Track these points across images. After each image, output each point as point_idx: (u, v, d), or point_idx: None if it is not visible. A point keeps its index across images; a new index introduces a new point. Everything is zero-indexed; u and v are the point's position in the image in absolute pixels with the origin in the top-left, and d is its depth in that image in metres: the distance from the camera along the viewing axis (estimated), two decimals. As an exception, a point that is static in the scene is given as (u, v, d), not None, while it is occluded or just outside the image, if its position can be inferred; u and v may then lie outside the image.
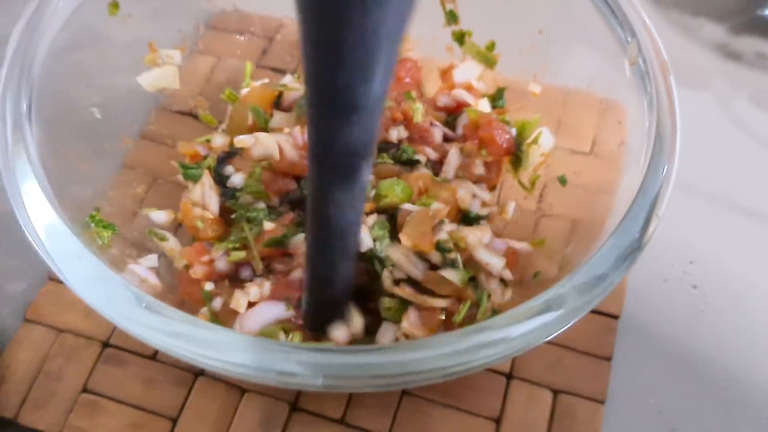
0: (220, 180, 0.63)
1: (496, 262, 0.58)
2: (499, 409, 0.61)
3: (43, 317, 0.64)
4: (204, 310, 0.59)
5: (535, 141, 0.66)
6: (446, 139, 0.68)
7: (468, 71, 0.70)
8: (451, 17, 0.68)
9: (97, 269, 0.46)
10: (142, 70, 0.67)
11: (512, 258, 0.60)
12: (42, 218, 0.48)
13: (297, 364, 0.42)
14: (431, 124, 0.66)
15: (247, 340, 0.43)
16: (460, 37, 0.70)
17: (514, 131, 0.67)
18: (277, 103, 0.69)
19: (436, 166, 0.66)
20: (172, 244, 0.62)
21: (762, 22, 0.92)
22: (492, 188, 0.67)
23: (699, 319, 0.68)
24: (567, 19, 0.61)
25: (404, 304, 0.57)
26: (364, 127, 0.34)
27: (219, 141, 0.67)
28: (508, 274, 0.59)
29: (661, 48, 0.54)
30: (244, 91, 0.71)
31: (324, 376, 0.42)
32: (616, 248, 0.47)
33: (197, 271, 0.59)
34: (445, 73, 0.71)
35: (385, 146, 0.65)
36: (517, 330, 0.44)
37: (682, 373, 0.65)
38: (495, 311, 0.57)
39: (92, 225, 0.56)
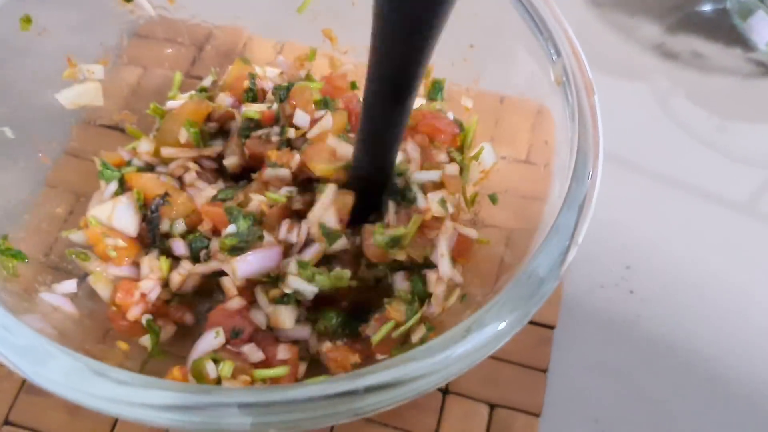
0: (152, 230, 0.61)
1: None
2: (435, 426, 0.60)
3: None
4: (144, 339, 0.58)
5: (476, 157, 0.65)
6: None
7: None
8: None
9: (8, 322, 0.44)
10: (61, 85, 0.64)
11: (464, 245, 0.59)
12: None
13: (224, 407, 0.41)
14: None
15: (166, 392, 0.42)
16: None
17: (451, 115, 0.66)
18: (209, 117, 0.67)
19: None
20: (95, 265, 0.60)
21: (697, 18, 0.92)
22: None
23: (636, 324, 0.69)
24: (496, 34, 0.61)
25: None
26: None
27: (145, 147, 0.65)
28: (458, 276, 0.58)
29: (586, 67, 0.53)
30: (172, 103, 0.68)
31: (253, 419, 0.41)
32: (548, 255, 0.47)
33: (135, 312, 0.57)
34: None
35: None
36: (458, 349, 0.44)
37: (619, 380, 0.66)
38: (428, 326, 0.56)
39: None
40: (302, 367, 0.57)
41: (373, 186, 0.58)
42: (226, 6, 0.71)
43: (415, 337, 0.55)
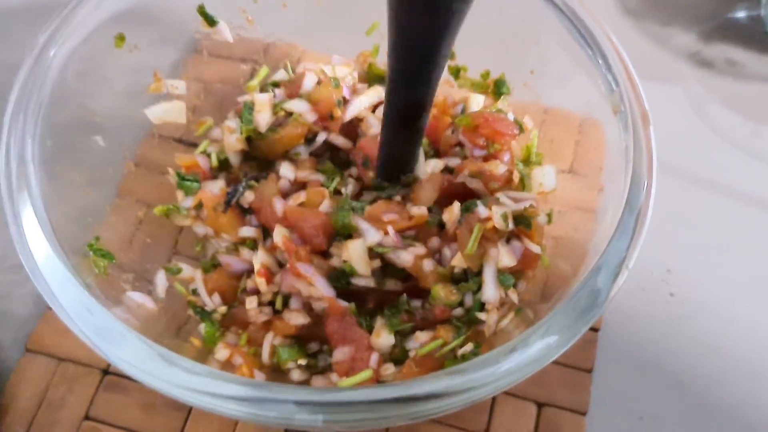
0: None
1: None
2: (486, 423, 0.64)
3: (43, 347, 0.66)
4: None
5: (539, 162, 0.68)
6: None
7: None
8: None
9: (91, 305, 0.49)
10: (146, 98, 0.68)
11: (529, 260, 0.61)
12: (41, 256, 0.50)
13: (296, 405, 0.44)
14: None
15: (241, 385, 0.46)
16: (456, 72, 0.73)
17: (511, 116, 0.69)
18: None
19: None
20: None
21: (732, 24, 0.94)
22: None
23: (677, 326, 0.71)
24: (556, 62, 0.64)
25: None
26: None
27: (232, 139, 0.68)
28: (514, 296, 0.60)
29: (643, 97, 0.56)
30: (246, 97, 0.71)
31: (324, 416, 0.45)
32: (598, 281, 0.50)
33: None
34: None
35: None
36: (506, 365, 0.47)
37: (661, 379, 0.68)
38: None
39: (91, 253, 0.58)
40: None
41: (405, 132, 0.60)
42: (283, 25, 0.74)
43: (462, 351, 0.58)
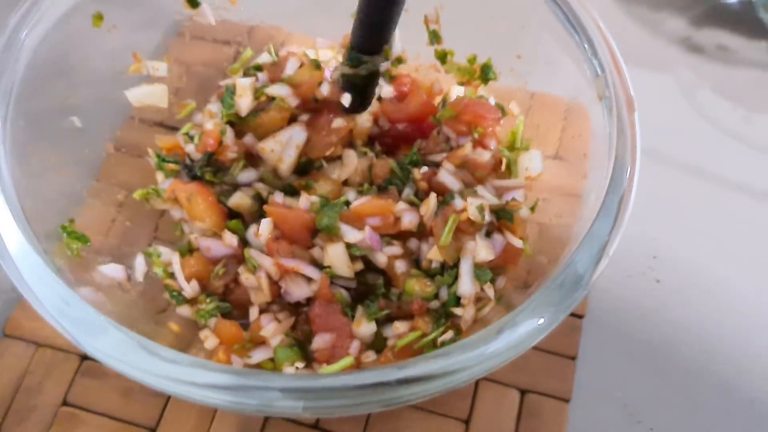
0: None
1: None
2: (468, 409, 0.63)
3: (21, 332, 0.66)
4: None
5: (525, 147, 0.67)
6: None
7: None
8: (434, 37, 0.70)
9: (67, 296, 0.48)
10: (126, 80, 0.67)
11: (511, 254, 0.60)
12: (14, 246, 0.49)
13: (279, 392, 0.44)
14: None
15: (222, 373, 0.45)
16: (443, 56, 0.71)
17: (492, 100, 0.68)
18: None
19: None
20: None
21: (723, 9, 0.94)
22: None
23: (662, 312, 0.71)
24: (543, 47, 0.63)
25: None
26: None
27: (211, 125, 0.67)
28: (491, 292, 0.59)
29: (629, 83, 0.56)
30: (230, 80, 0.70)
31: (305, 402, 0.44)
32: (579, 264, 0.49)
33: None
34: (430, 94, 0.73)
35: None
36: (490, 347, 0.46)
37: (647, 367, 0.68)
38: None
39: (64, 236, 0.57)
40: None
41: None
42: (267, 7, 0.73)
43: (441, 338, 0.57)
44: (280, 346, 0.58)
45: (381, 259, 0.60)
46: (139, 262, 0.62)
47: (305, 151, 0.65)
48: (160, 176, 0.67)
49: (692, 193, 0.79)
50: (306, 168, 0.66)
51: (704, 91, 0.88)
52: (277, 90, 0.65)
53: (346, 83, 0.64)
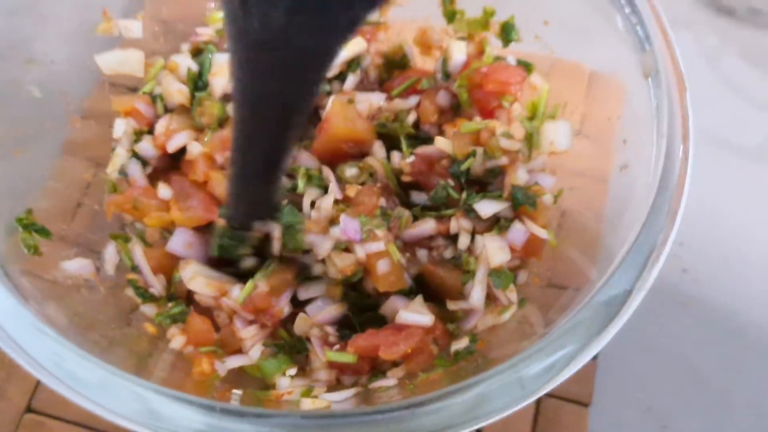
0: None
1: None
2: (480, 417, 0.57)
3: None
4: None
5: (552, 116, 0.59)
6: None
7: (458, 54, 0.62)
8: None
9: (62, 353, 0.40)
10: (95, 42, 0.58)
11: (534, 245, 0.53)
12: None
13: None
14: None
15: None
16: (452, 15, 0.63)
17: (512, 59, 0.60)
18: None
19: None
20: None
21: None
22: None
23: (689, 306, 0.65)
24: (577, 12, 0.55)
25: None
26: None
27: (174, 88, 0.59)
28: (513, 296, 0.53)
29: (680, 61, 0.48)
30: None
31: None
32: (640, 254, 0.43)
33: None
34: (425, 45, 0.64)
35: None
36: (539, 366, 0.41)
37: (672, 366, 0.63)
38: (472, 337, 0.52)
39: (20, 230, 0.50)
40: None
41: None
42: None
43: (455, 347, 0.51)
44: (263, 359, 0.51)
45: (360, 253, 0.52)
46: (110, 252, 0.55)
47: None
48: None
49: (718, 169, 0.73)
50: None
51: (730, 57, 0.81)
52: None
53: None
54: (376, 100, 0.60)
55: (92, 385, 0.39)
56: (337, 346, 0.51)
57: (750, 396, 0.61)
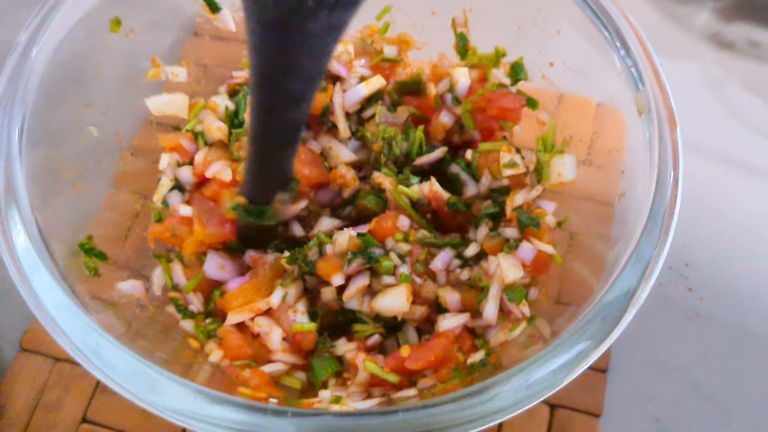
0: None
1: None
2: (496, 427, 0.61)
3: (38, 346, 0.64)
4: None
5: (560, 150, 0.64)
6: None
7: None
8: (462, 40, 0.67)
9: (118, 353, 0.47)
10: (143, 85, 0.65)
11: (542, 262, 0.58)
12: (52, 305, 0.50)
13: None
14: None
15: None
16: (464, 52, 0.68)
17: (513, 89, 0.65)
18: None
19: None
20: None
21: (754, 3, 0.90)
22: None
23: (695, 322, 0.69)
24: (577, 52, 0.61)
25: None
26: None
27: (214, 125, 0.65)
28: (526, 310, 0.57)
29: (671, 98, 0.53)
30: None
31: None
32: (638, 264, 0.48)
33: None
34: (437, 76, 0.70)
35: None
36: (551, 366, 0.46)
37: (679, 379, 0.66)
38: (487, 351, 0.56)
39: (82, 254, 0.55)
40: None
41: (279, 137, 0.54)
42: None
43: (471, 359, 0.55)
44: (314, 356, 0.57)
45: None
46: (158, 275, 0.61)
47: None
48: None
49: (723, 194, 0.77)
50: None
51: (733, 87, 0.86)
52: None
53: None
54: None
55: (144, 388, 0.45)
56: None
57: (752, 408, 0.65)
